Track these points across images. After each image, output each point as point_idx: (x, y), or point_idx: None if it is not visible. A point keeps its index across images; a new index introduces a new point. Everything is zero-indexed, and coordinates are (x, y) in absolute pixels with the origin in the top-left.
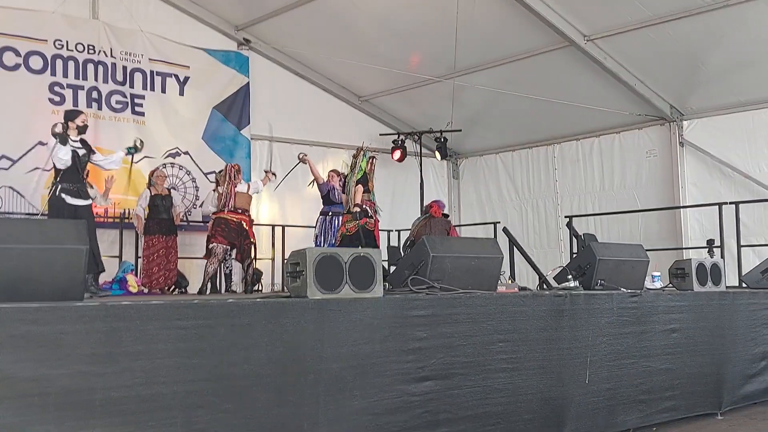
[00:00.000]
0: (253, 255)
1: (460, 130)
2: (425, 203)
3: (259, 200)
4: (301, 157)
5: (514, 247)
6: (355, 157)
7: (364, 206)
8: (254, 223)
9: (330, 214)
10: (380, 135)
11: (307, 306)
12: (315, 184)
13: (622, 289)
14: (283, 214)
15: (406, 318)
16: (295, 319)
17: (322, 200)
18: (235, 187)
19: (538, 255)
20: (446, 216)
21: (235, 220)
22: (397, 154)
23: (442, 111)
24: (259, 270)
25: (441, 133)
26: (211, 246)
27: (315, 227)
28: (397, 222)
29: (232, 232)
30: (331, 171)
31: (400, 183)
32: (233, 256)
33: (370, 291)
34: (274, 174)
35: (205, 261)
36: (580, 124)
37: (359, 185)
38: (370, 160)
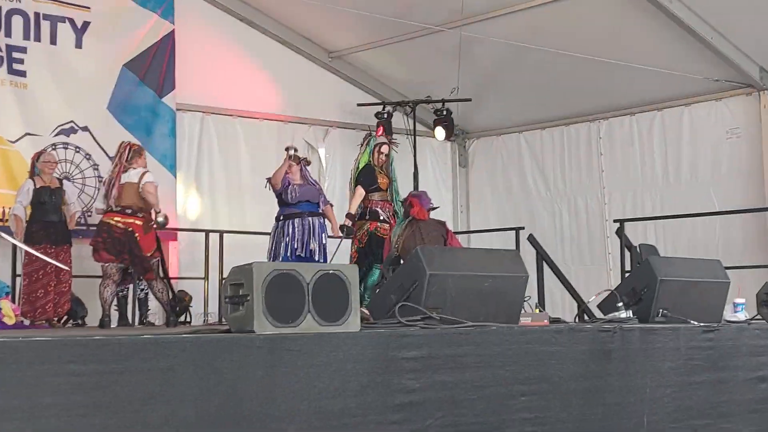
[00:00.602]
0: (161, 273)
1: (470, 100)
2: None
3: (187, 195)
4: (291, 153)
5: (544, 263)
6: (361, 145)
7: (374, 209)
8: (162, 226)
9: (283, 218)
10: (358, 105)
11: (253, 344)
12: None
13: (692, 321)
14: (229, 216)
15: (391, 361)
16: (236, 363)
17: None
18: (121, 175)
19: (576, 273)
20: (436, 215)
21: (120, 225)
22: (381, 132)
23: (445, 72)
24: (185, 294)
25: (443, 104)
26: (102, 264)
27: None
28: None
29: (116, 243)
30: (288, 158)
31: None
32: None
33: (343, 323)
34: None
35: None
36: (635, 92)
37: (359, 186)
38: (377, 149)
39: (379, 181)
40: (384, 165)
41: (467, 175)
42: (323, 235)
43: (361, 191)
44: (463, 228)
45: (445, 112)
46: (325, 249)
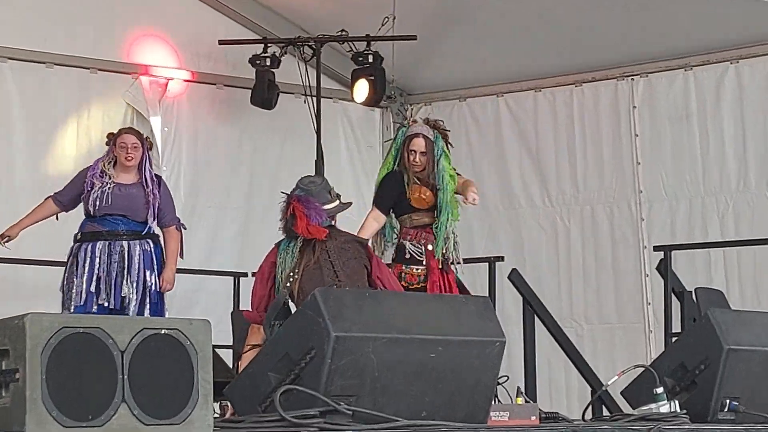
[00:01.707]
0: None
1: (415, 38)
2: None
3: None
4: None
5: (535, 317)
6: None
7: (401, 242)
8: None
9: (80, 238)
10: (220, 44)
11: None
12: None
13: None
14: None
15: None
16: None
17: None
18: None
19: (592, 335)
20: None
21: None
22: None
23: None
24: None
25: (368, 44)
26: None
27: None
28: (257, 250)
29: None
30: (112, 142)
31: (271, 158)
32: None
33: (183, 420)
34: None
35: None
36: (694, 29)
37: (374, 209)
38: (407, 145)
39: (411, 195)
40: (422, 170)
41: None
42: (151, 273)
43: (376, 216)
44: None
45: (371, 59)
46: (157, 297)
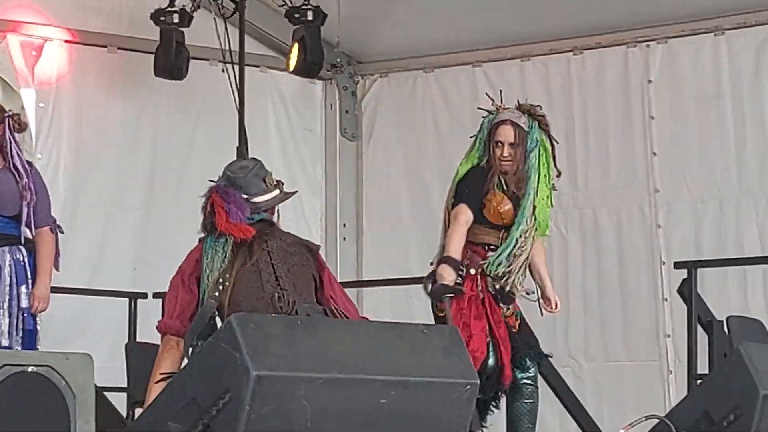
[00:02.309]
0: None
1: None
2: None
3: None
4: None
5: None
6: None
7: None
8: None
9: None
10: None
11: None
12: None
13: None
14: None
15: None
16: None
17: None
18: None
19: (594, 375)
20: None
21: None
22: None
23: None
24: None
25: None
26: None
27: None
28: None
29: None
30: None
31: (179, 144)
32: None
33: None
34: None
35: None
36: None
37: (462, 205)
38: (494, 135)
39: (487, 200)
40: (513, 167)
41: (359, 154)
42: (26, 289)
43: (467, 215)
44: (348, 271)
45: (310, 16)
46: (32, 323)
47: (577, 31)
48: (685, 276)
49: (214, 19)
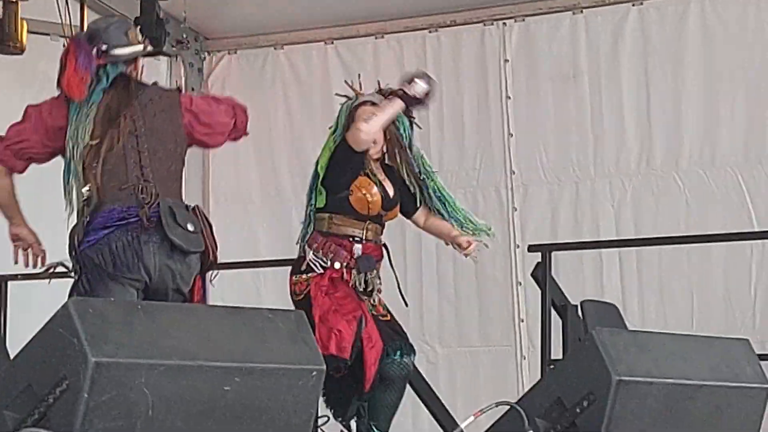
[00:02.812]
0: None
1: None
2: None
3: None
4: None
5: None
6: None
7: (308, 250)
8: None
9: None
10: None
11: None
12: None
13: None
14: None
15: None
16: None
17: None
18: None
19: (448, 360)
20: None
21: None
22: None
23: None
24: None
25: None
26: None
27: None
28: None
29: None
30: None
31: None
32: None
33: None
34: None
35: None
36: None
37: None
38: (356, 112)
39: (365, 193)
40: (377, 151)
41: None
42: None
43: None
44: None
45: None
46: None
47: (432, 9)
48: (539, 260)
49: None
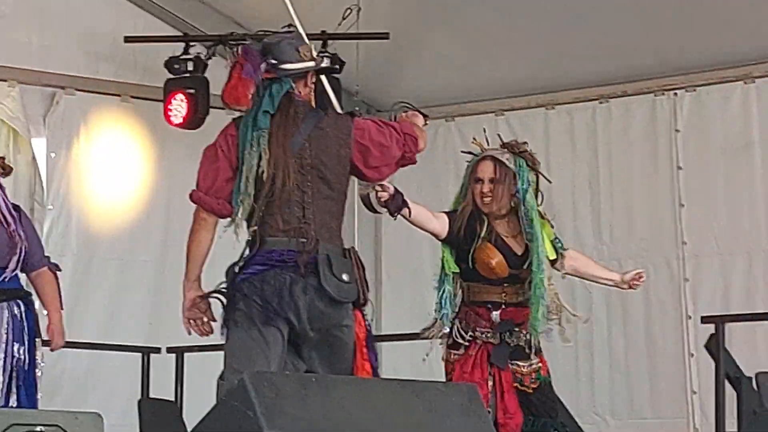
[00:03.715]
0: None
1: (387, 36)
2: None
3: None
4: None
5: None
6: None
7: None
8: None
9: None
10: (126, 41)
11: None
12: None
13: None
14: None
15: None
16: None
17: None
18: None
19: (621, 430)
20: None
21: None
22: (181, 105)
23: None
24: None
25: (324, 44)
26: None
27: None
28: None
29: None
30: None
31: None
32: None
33: None
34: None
35: None
36: (749, 32)
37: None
38: (474, 173)
39: (477, 255)
40: (494, 208)
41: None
42: (20, 347)
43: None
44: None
45: (327, 63)
46: (31, 377)
47: (603, 80)
48: (713, 331)
49: (230, 64)
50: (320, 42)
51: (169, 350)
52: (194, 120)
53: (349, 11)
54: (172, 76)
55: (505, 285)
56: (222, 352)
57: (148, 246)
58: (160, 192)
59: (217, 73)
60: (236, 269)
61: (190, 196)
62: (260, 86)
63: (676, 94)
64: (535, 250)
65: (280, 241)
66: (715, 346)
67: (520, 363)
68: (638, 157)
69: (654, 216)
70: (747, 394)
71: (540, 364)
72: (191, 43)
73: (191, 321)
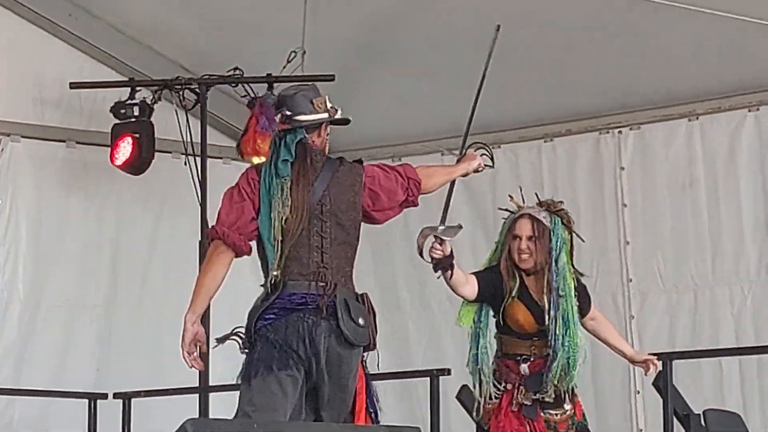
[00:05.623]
0: None
1: (333, 78)
2: None
3: None
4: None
5: None
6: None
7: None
8: None
9: None
10: (71, 87)
11: None
12: None
13: None
14: None
15: None
16: None
17: None
18: None
19: None
20: None
21: None
22: (126, 147)
23: (279, 18)
24: None
25: (270, 86)
26: None
27: None
28: (123, 362)
29: None
30: None
31: (141, 239)
32: None
33: None
34: None
35: None
36: (693, 71)
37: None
38: (511, 230)
39: (507, 310)
40: (531, 264)
41: None
42: None
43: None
44: None
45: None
46: None
47: (548, 119)
48: (660, 369)
49: (176, 110)
50: (266, 85)
51: (116, 396)
52: (138, 163)
53: (293, 54)
54: (118, 121)
55: (534, 339)
56: (168, 396)
57: (95, 292)
58: (106, 237)
59: (163, 117)
60: (256, 315)
61: (211, 231)
62: (276, 137)
63: (620, 132)
64: (563, 307)
65: (301, 284)
66: (663, 383)
67: (552, 412)
68: (583, 194)
69: (600, 253)
70: (696, 431)
71: (574, 410)
72: (137, 88)
73: (189, 354)
